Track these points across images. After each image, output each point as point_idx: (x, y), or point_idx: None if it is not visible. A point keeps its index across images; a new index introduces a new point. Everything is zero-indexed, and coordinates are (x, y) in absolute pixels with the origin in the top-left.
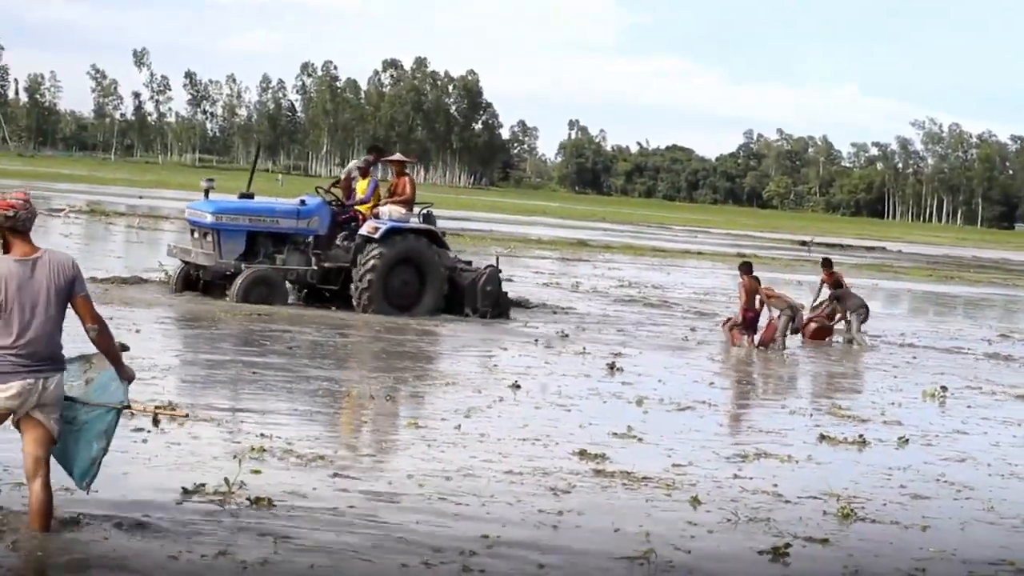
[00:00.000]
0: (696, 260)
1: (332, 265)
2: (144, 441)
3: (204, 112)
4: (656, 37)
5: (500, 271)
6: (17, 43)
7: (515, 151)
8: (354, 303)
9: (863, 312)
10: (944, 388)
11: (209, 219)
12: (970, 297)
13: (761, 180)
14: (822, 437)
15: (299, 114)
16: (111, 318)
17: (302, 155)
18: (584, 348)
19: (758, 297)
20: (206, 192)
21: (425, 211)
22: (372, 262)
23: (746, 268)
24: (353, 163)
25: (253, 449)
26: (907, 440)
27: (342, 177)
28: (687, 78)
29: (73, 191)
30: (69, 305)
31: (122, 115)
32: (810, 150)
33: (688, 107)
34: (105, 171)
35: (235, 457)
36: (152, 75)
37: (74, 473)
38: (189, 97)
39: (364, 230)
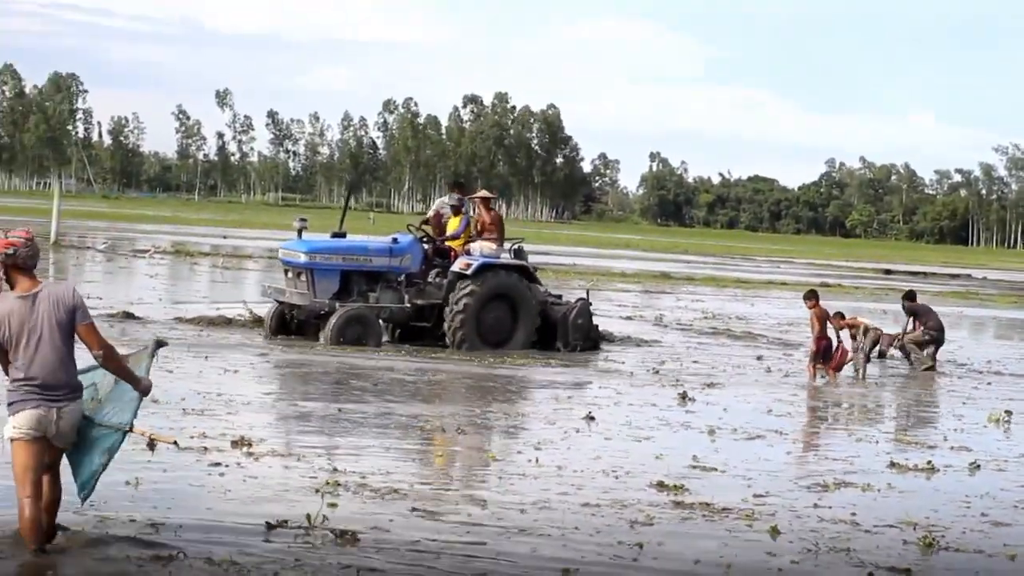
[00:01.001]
0: (780, 291)
1: (425, 302)
2: (221, 475)
3: (287, 151)
4: (734, 67)
5: (591, 304)
6: (99, 85)
7: (596, 184)
8: (447, 340)
9: (936, 334)
10: (1008, 413)
11: (303, 259)
12: None
13: (844, 209)
14: (892, 464)
15: (381, 151)
16: (206, 357)
17: (384, 192)
18: (678, 380)
19: (829, 324)
20: (299, 232)
21: (516, 246)
22: (465, 298)
23: (813, 296)
24: (441, 200)
25: (328, 484)
26: (978, 466)
27: (431, 214)
28: (767, 108)
29: (158, 232)
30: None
31: (205, 155)
32: (892, 178)
33: (769, 137)
34: (189, 211)
35: (317, 492)
36: (235, 115)
37: (76, 482)
38: (271, 136)
39: (456, 266)
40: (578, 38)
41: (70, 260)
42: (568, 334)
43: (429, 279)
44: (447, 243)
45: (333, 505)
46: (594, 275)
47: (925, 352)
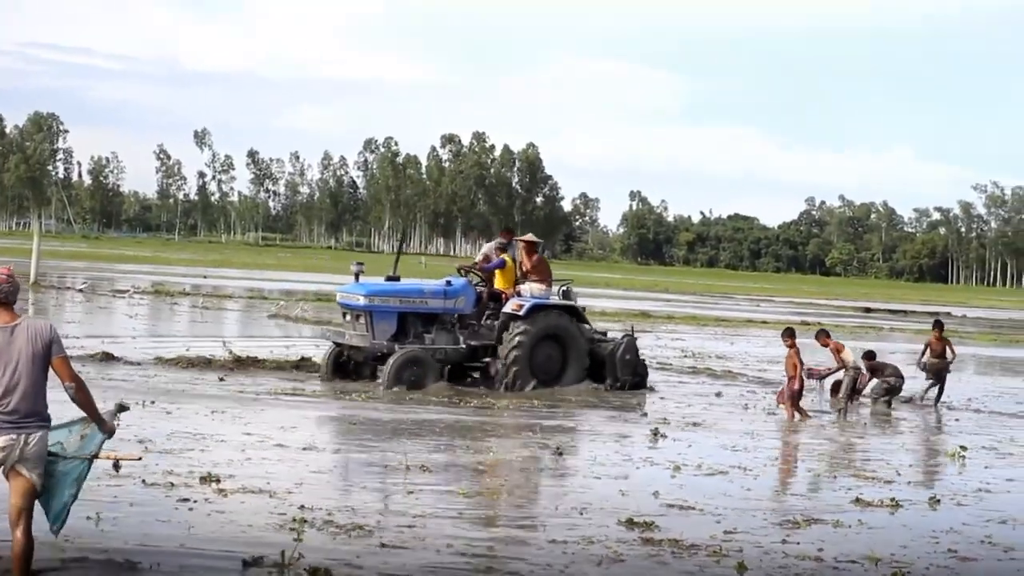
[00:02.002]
0: (759, 329)
1: (479, 343)
2: (190, 510)
3: (267, 191)
4: (714, 105)
5: (636, 339)
6: (79, 124)
7: (577, 223)
8: (501, 379)
9: (894, 381)
10: (964, 448)
11: (362, 301)
12: None
13: (823, 247)
14: (857, 500)
15: (361, 190)
16: (183, 392)
17: (364, 231)
18: (665, 419)
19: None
20: (356, 276)
21: (565, 288)
22: (518, 339)
23: (791, 334)
24: (488, 244)
25: (295, 520)
26: (938, 500)
27: (479, 258)
28: (746, 146)
29: (138, 272)
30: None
31: (185, 195)
32: (872, 216)
33: (748, 175)
34: (169, 251)
35: (291, 529)
36: (214, 155)
37: (48, 517)
38: (252, 176)
39: (508, 308)
40: (557, 76)
41: (50, 300)
42: (616, 370)
43: (482, 320)
44: (488, 279)
45: (299, 540)
46: None
47: (881, 400)
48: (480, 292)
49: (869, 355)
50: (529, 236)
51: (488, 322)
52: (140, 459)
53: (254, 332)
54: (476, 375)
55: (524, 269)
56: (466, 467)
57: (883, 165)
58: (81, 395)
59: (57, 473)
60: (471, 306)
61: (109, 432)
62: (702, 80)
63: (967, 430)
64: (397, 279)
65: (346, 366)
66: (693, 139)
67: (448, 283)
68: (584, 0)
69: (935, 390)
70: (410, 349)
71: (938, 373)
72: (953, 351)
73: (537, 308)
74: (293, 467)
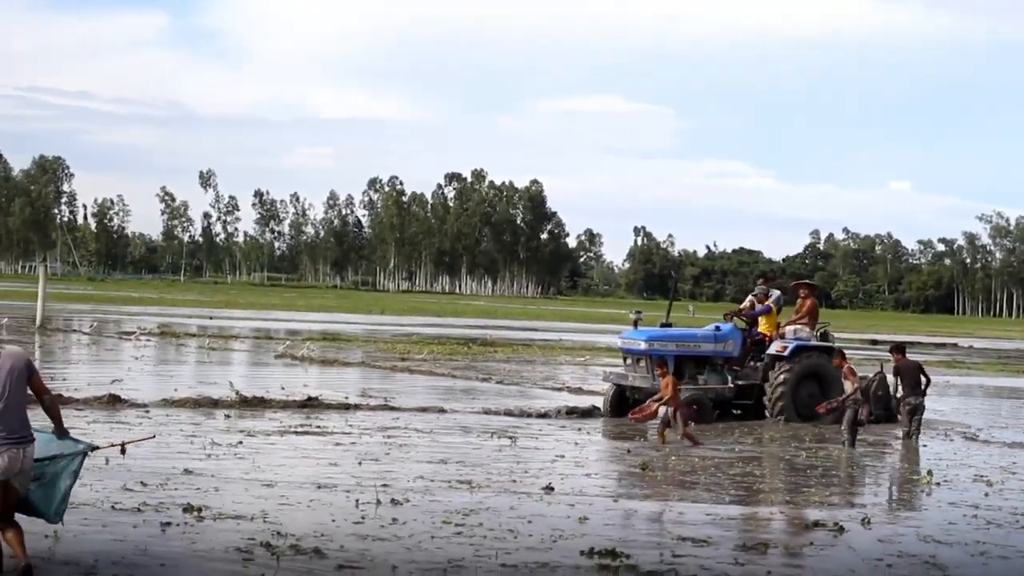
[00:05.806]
0: None
1: (746, 382)
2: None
3: (272, 231)
4: (714, 141)
5: (886, 376)
6: (83, 168)
7: (582, 259)
8: (767, 412)
9: (914, 402)
10: (930, 473)
11: (643, 346)
12: None
13: (829, 280)
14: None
15: (366, 229)
16: (191, 437)
17: (369, 270)
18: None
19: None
20: (635, 323)
21: (823, 330)
22: (783, 376)
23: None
24: (754, 294)
25: (261, 544)
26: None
27: (746, 304)
28: (748, 180)
29: (143, 314)
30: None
31: (191, 237)
32: (877, 248)
33: (753, 209)
34: (174, 293)
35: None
36: (218, 196)
37: (49, 512)
38: (257, 216)
39: (773, 349)
40: (553, 112)
41: (56, 343)
42: (871, 405)
43: (747, 362)
44: (757, 327)
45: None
46: (583, 351)
47: (912, 422)
48: (745, 335)
49: (899, 348)
50: (806, 281)
51: (752, 363)
52: (153, 437)
53: (261, 372)
54: (738, 411)
55: (799, 309)
56: (456, 491)
57: (884, 197)
58: (55, 406)
59: (47, 475)
60: (738, 349)
61: (66, 435)
62: (698, 116)
63: (949, 457)
64: (670, 326)
65: (629, 404)
66: (693, 174)
67: (717, 328)
68: (574, 38)
69: None
70: (688, 390)
71: None
72: None
73: (800, 349)
74: (269, 500)
